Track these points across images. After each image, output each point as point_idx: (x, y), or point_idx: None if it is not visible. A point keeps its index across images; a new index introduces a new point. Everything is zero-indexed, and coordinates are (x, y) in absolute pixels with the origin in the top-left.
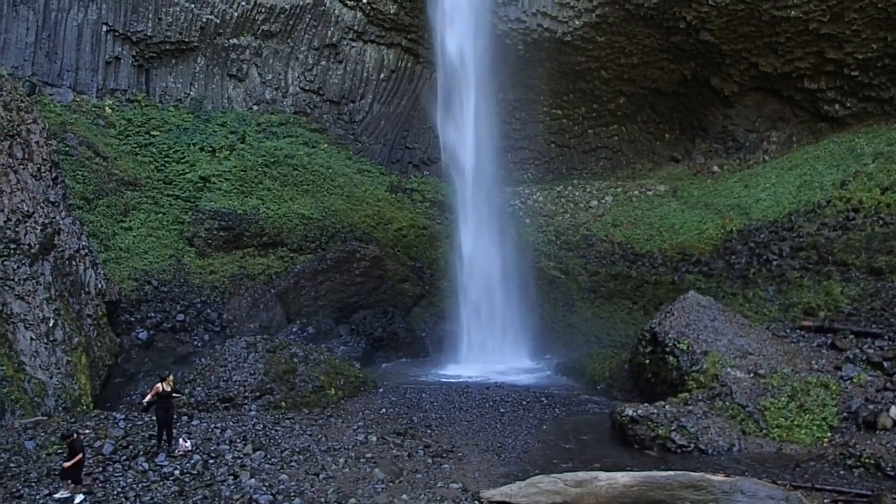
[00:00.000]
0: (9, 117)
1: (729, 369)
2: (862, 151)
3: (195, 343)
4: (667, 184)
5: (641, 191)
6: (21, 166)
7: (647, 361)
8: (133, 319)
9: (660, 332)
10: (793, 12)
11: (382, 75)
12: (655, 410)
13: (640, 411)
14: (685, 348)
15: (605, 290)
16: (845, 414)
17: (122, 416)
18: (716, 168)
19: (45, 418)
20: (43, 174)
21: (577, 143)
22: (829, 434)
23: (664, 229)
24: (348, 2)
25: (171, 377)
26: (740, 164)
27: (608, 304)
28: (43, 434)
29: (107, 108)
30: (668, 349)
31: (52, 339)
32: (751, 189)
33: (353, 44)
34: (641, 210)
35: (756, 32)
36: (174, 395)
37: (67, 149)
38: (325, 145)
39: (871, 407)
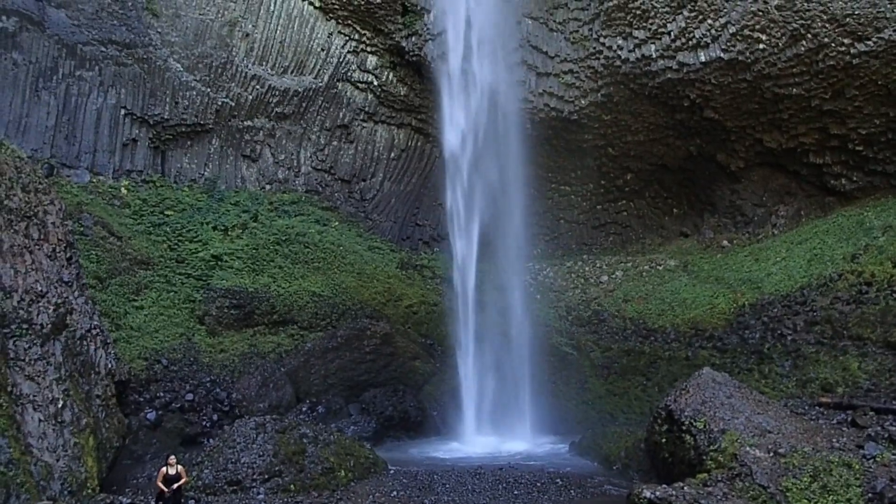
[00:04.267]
0: (26, 199)
1: (748, 448)
2: (871, 225)
3: (204, 424)
4: (677, 258)
5: (652, 265)
6: (37, 247)
7: (664, 440)
8: (142, 399)
9: (675, 410)
10: (794, 90)
11: (393, 154)
12: (674, 492)
13: (658, 493)
14: (702, 427)
15: (618, 366)
16: (870, 495)
17: (128, 501)
18: (725, 242)
19: (49, 503)
20: (58, 254)
21: (587, 219)
22: None
23: (676, 304)
24: (359, 84)
25: (174, 458)
26: (750, 238)
27: (622, 381)
28: None
29: (122, 188)
30: (684, 427)
31: (60, 420)
32: (761, 263)
33: (364, 124)
34: (652, 285)
35: (759, 109)
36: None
37: (83, 229)
38: (337, 223)
39: None
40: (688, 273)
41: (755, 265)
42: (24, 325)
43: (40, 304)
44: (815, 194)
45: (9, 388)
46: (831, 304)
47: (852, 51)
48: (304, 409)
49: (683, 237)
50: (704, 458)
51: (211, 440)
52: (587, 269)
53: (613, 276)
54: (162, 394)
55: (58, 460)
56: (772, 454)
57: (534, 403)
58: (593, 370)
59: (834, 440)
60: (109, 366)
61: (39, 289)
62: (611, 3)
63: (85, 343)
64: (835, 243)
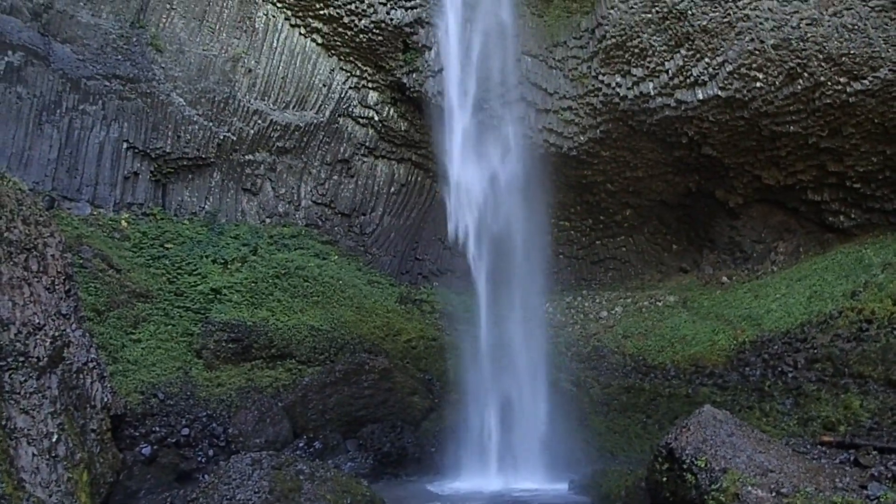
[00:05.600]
0: (27, 231)
1: (750, 488)
2: (870, 262)
3: (199, 459)
4: (676, 294)
5: (651, 301)
6: (35, 279)
7: (665, 479)
8: (137, 434)
9: (676, 449)
10: (792, 127)
11: (393, 189)
12: None
13: None
14: (703, 465)
15: (618, 403)
16: None
17: None
18: (725, 278)
19: None
20: (56, 287)
21: (586, 254)
22: None
23: (676, 340)
24: (360, 119)
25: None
26: (749, 274)
27: (622, 418)
28: None
29: (123, 221)
30: (685, 466)
31: (54, 455)
32: (761, 300)
33: (365, 159)
34: (652, 321)
35: (757, 147)
36: None
37: (82, 261)
38: (336, 257)
39: None
40: (687, 309)
41: (755, 302)
42: (21, 358)
43: (37, 336)
44: (813, 231)
45: (3, 422)
46: (832, 342)
47: (848, 89)
48: (300, 444)
49: (683, 273)
50: (706, 497)
51: (206, 476)
52: (586, 304)
53: (613, 311)
54: (158, 428)
55: (50, 496)
56: (774, 494)
57: (535, 442)
58: (593, 407)
59: (837, 480)
60: (105, 399)
61: (37, 321)
62: (609, 42)
63: (81, 376)
64: (834, 280)
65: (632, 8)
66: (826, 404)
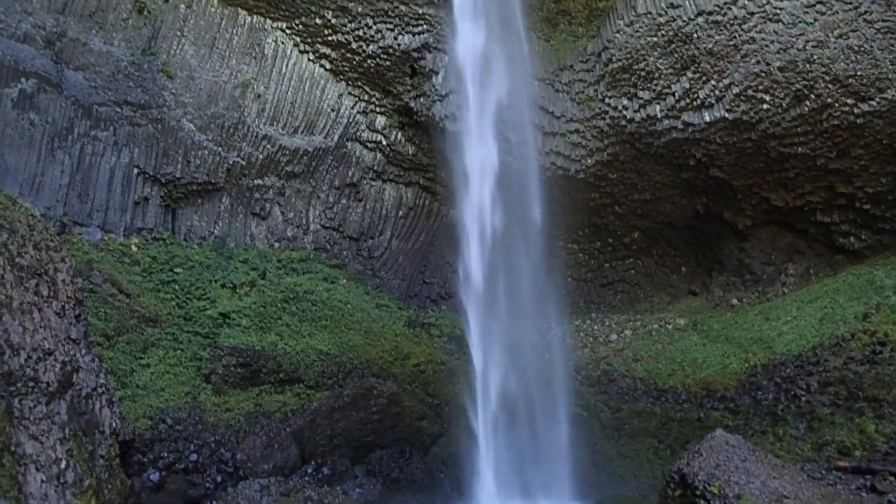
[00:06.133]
0: (38, 256)
1: None
2: (882, 284)
3: (207, 485)
4: (686, 317)
5: (661, 324)
6: (46, 304)
7: None
8: (145, 460)
9: (689, 474)
10: (800, 149)
11: (401, 212)
12: None
13: None
14: (717, 491)
15: (629, 427)
16: None
17: None
18: (735, 301)
19: None
20: (66, 312)
21: (594, 277)
22: None
23: (686, 364)
24: (368, 144)
25: None
26: (759, 296)
27: (633, 443)
28: None
29: (133, 246)
30: (698, 492)
31: (62, 481)
32: (772, 322)
33: (373, 183)
34: (662, 344)
35: (765, 168)
36: None
37: (92, 286)
38: (344, 281)
39: None
40: (697, 332)
41: (766, 324)
42: (31, 384)
43: (47, 361)
44: (823, 252)
45: (12, 448)
46: (845, 365)
47: (856, 111)
48: (309, 470)
49: (692, 295)
50: None
51: (214, 503)
52: (596, 327)
53: (622, 334)
54: (166, 454)
55: None
56: None
57: (546, 467)
58: (604, 432)
59: None
60: (114, 425)
61: (47, 346)
62: (615, 65)
63: (90, 402)
64: (846, 302)
65: (637, 32)
66: (840, 428)
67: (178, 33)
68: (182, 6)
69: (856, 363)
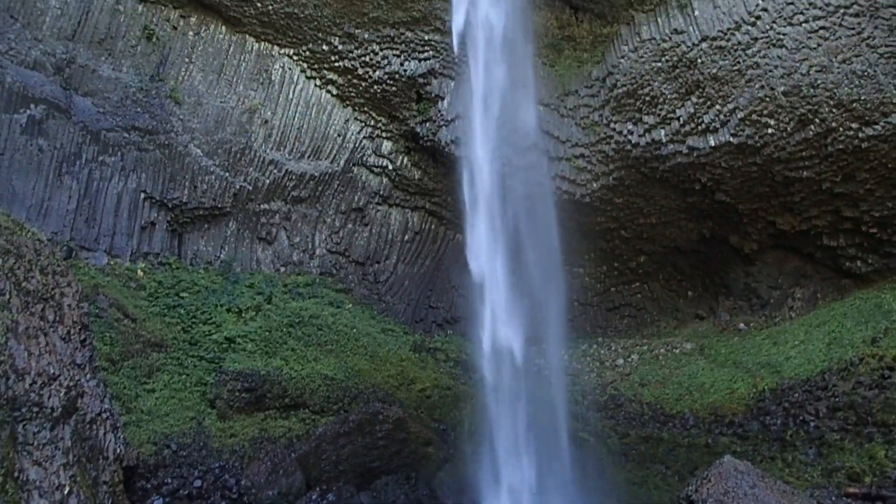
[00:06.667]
0: (44, 281)
1: None
2: (889, 308)
3: None
4: (693, 341)
5: (668, 349)
6: (52, 329)
7: None
8: (149, 486)
9: (697, 501)
10: (805, 173)
11: (407, 237)
12: None
13: None
14: None
15: (636, 453)
16: None
17: None
18: (742, 325)
19: None
20: (72, 336)
21: (601, 301)
22: None
23: (694, 389)
24: (375, 168)
25: None
26: (766, 321)
27: (641, 469)
28: None
29: (139, 270)
30: None
31: None
32: (780, 346)
33: (379, 207)
34: (669, 369)
35: (771, 192)
36: None
37: (98, 311)
38: (350, 305)
39: None
40: (705, 356)
41: (773, 349)
42: (35, 409)
43: (52, 386)
44: (830, 277)
45: (16, 474)
46: (854, 389)
47: (860, 135)
48: (314, 496)
49: (699, 320)
50: None
51: None
52: (602, 352)
53: (629, 359)
54: (170, 480)
55: None
56: None
57: (551, 493)
58: (611, 458)
59: None
60: (118, 451)
61: (52, 371)
62: (620, 90)
63: (94, 427)
64: (853, 326)
65: (641, 57)
66: (850, 454)
67: (187, 60)
68: (191, 33)
69: (864, 388)
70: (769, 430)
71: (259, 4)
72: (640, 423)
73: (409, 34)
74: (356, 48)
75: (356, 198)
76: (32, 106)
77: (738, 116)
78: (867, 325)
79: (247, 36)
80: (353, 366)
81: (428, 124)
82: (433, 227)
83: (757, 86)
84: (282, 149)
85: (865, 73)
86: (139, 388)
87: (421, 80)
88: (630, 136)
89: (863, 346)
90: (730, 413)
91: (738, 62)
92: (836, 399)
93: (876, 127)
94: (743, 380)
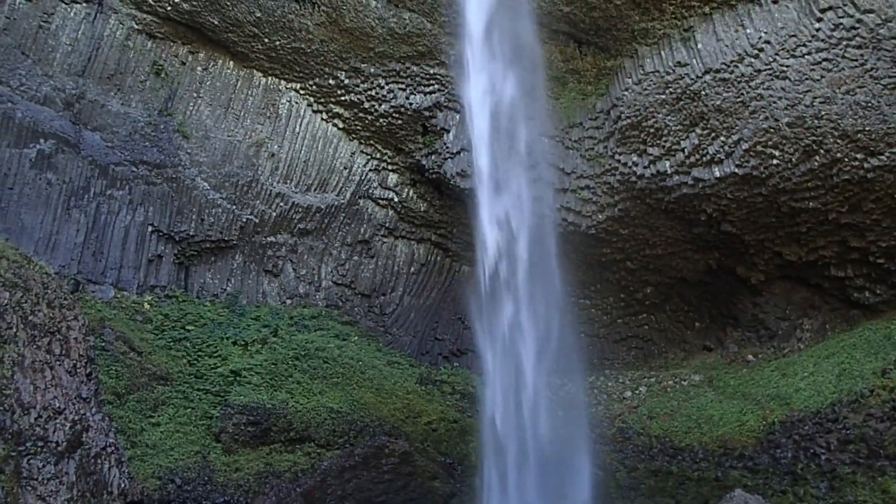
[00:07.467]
0: (51, 314)
1: None
2: None
3: None
4: (701, 373)
5: (676, 381)
6: (58, 362)
7: None
8: None
9: None
10: (811, 203)
11: (413, 269)
12: None
13: None
14: None
15: (645, 487)
16: None
17: None
18: (750, 357)
19: None
20: (78, 370)
21: (607, 333)
22: None
23: (703, 421)
24: (381, 201)
25: None
26: (775, 352)
27: (650, 503)
28: None
29: (145, 303)
30: None
31: None
32: (789, 378)
33: (385, 239)
34: (677, 401)
35: (777, 223)
36: None
37: (104, 344)
38: (356, 337)
39: None
40: (713, 388)
41: (783, 380)
42: (40, 443)
43: (57, 420)
44: (839, 307)
45: None
46: (865, 422)
47: (866, 165)
48: None
49: (707, 351)
50: None
51: None
52: (609, 384)
53: (637, 391)
54: None
55: None
56: None
57: None
58: (619, 492)
59: None
60: (122, 485)
61: (57, 405)
62: (624, 122)
63: (99, 461)
64: (863, 357)
65: (646, 90)
66: (862, 488)
67: (195, 94)
68: (199, 68)
69: (876, 420)
70: (780, 464)
71: (266, 40)
72: (649, 456)
73: (414, 68)
74: (362, 82)
75: (362, 230)
76: (42, 140)
77: (743, 147)
78: (877, 356)
79: (254, 71)
80: (358, 399)
81: (433, 157)
82: (439, 258)
83: (761, 117)
84: (288, 182)
85: (869, 104)
86: (144, 422)
87: (426, 114)
88: (635, 168)
89: (873, 377)
90: (739, 446)
91: (742, 94)
92: (847, 431)
93: (881, 157)
94: (752, 412)
